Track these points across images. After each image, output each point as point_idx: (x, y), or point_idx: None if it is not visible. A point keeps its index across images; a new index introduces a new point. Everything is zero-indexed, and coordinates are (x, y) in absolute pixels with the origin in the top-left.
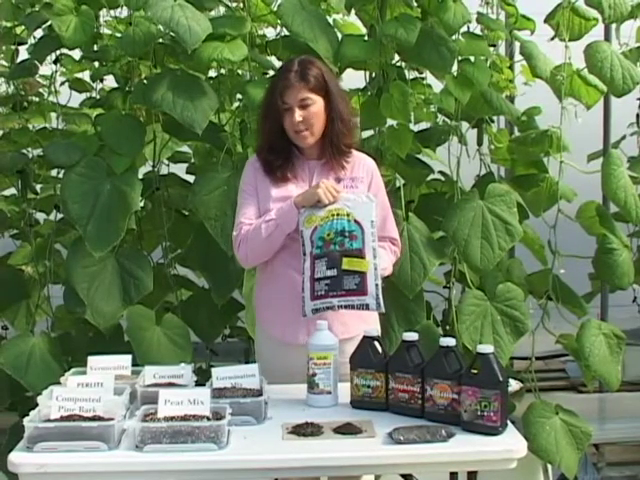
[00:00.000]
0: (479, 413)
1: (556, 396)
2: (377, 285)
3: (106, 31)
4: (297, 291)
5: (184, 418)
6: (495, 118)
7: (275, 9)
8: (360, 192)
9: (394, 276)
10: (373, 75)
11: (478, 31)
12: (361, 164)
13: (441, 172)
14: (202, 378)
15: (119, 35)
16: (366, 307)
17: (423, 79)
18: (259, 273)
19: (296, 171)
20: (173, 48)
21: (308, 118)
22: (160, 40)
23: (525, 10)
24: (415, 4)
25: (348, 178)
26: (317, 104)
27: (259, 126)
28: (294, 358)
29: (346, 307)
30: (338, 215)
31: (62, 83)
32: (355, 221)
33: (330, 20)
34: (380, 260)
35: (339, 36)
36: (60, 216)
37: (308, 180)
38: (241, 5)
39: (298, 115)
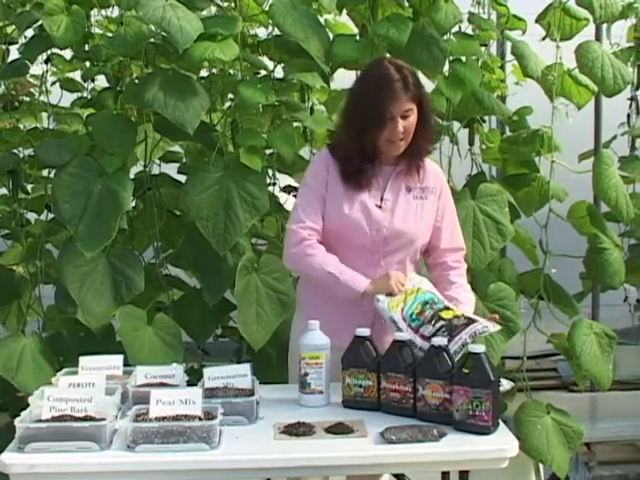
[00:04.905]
0: (471, 413)
1: (548, 395)
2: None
3: (97, 31)
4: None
5: (176, 418)
6: (486, 118)
7: (267, 9)
8: (429, 203)
9: None
10: None
11: (470, 31)
12: (432, 174)
13: None
14: (194, 378)
15: (110, 35)
16: (486, 328)
17: None
18: None
19: (370, 177)
20: (164, 48)
21: (407, 128)
22: (151, 40)
23: (516, 10)
24: (407, 4)
25: (418, 188)
26: (414, 113)
27: (351, 133)
28: (333, 357)
29: (474, 336)
30: (413, 293)
31: (53, 83)
32: (428, 291)
33: (322, 20)
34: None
35: (330, 36)
36: (51, 216)
37: (381, 187)
38: (232, 5)
39: (400, 126)
